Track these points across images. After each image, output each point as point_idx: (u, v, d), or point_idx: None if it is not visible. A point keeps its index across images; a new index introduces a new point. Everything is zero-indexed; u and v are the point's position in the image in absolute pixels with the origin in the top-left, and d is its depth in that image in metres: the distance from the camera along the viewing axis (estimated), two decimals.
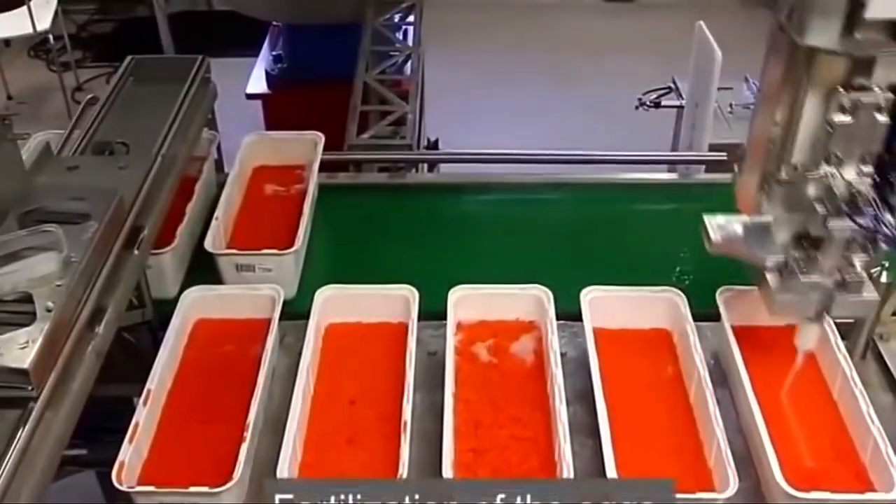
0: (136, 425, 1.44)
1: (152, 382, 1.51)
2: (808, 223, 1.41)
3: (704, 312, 1.65)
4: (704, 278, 1.80)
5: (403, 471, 1.36)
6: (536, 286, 1.69)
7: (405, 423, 1.43)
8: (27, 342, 1.23)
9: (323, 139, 2.14)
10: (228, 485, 1.33)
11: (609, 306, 1.67)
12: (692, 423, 1.51)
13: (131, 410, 1.47)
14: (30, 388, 1.21)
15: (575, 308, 1.65)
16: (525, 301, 1.70)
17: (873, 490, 1.38)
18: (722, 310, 1.62)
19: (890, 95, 1.30)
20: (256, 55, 3.79)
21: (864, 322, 1.62)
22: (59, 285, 1.33)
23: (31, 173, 1.59)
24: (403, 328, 1.64)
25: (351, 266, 1.98)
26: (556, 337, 1.60)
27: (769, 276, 1.48)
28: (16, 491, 1.15)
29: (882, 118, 1.31)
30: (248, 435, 1.41)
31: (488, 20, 5.79)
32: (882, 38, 1.28)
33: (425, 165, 2.93)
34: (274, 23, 3.83)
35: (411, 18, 3.26)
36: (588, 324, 1.61)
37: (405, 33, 3.24)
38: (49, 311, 1.28)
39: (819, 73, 1.32)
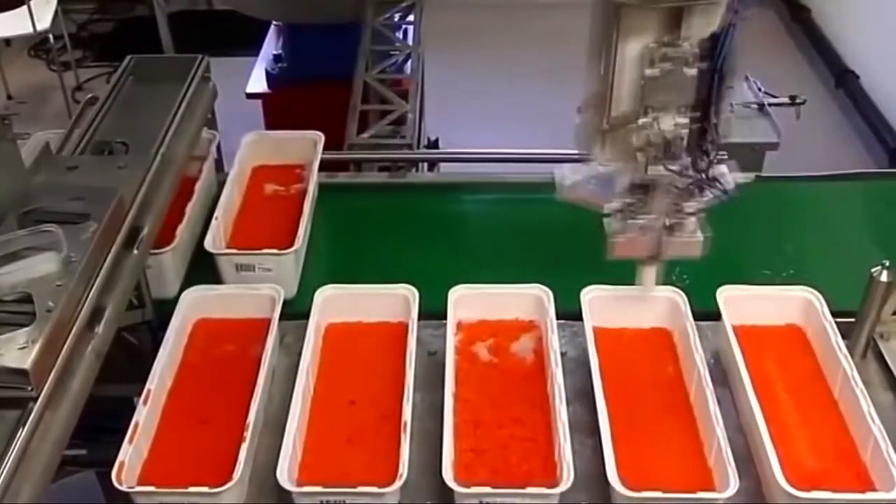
0: (136, 425, 1.44)
1: (152, 382, 1.51)
2: (635, 171, 1.51)
3: (704, 311, 1.65)
4: (704, 277, 1.80)
5: (403, 471, 1.36)
6: (536, 285, 1.69)
7: (405, 423, 1.43)
8: (27, 342, 1.23)
9: (323, 139, 2.14)
10: (228, 485, 1.33)
11: (609, 305, 1.67)
12: (692, 422, 1.51)
13: (131, 410, 1.47)
14: (29, 388, 1.21)
15: (575, 307, 1.65)
16: (525, 300, 1.69)
17: (874, 490, 1.38)
18: (722, 309, 1.62)
19: (696, 50, 1.38)
20: (256, 55, 3.79)
21: (865, 321, 1.61)
22: (58, 285, 1.32)
23: (31, 173, 1.58)
24: (403, 328, 1.64)
25: (351, 265, 1.98)
26: (556, 336, 1.59)
27: (607, 221, 1.59)
28: (15, 491, 1.15)
29: (690, 72, 1.39)
30: (248, 435, 1.41)
31: (488, 19, 5.79)
32: None
33: (425, 165, 2.94)
34: (274, 22, 3.83)
35: (411, 18, 3.26)
36: (588, 323, 1.61)
37: (405, 32, 3.25)
38: (49, 311, 1.28)
39: (628, 27, 1.39)
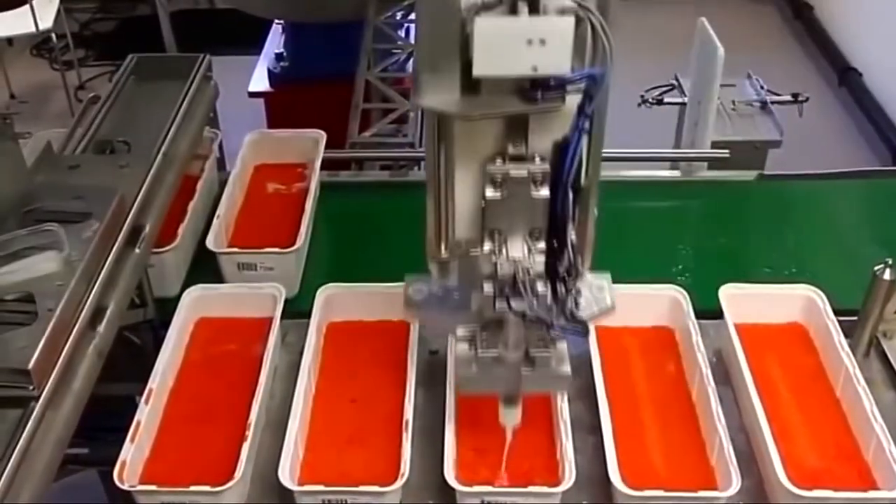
0: (138, 424, 1.44)
1: (154, 381, 1.51)
2: (482, 302, 1.22)
3: (706, 310, 1.65)
4: (706, 275, 1.80)
5: (405, 470, 1.36)
6: None
7: (407, 422, 1.43)
8: (29, 342, 1.23)
9: (325, 137, 2.14)
10: (230, 484, 1.33)
11: None
12: (694, 421, 1.51)
13: (133, 409, 1.47)
14: (31, 387, 1.21)
15: None
16: None
17: (876, 488, 1.38)
18: (724, 307, 1.62)
19: (546, 167, 1.13)
20: (258, 53, 3.78)
21: (868, 319, 1.61)
22: (60, 285, 1.33)
23: (33, 172, 1.59)
24: (405, 326, 1.64)
25: (352, 264, 1.98)
26: None
27: (457, 348, 1.33)
28: (17, 490, 1.15)
29: (540, 193, 1.14)
30: (249, 434, 1.41)
31: None
32: (513, 98, 1.06)
33: None
34: (276, 21, 3.83)
35: (413, 16, 3.26)
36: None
37: (407, 31, 3.24)
38: (50, 310, 1.28)
39: (463, 142, 1.14)
